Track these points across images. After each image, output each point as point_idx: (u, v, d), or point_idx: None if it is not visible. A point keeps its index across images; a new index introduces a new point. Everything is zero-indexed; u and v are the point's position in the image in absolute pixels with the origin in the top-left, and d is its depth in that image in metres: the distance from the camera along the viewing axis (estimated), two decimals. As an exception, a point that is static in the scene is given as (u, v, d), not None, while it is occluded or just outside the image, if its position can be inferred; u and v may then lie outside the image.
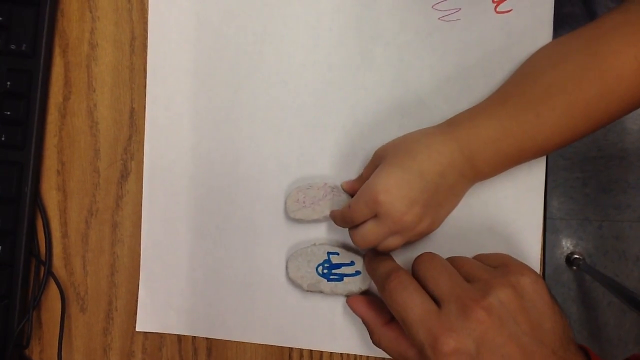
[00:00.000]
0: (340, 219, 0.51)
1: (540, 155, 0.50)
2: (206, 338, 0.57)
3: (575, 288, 1.57)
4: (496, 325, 0.39)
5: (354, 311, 0.51)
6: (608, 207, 1.55)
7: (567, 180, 1.55)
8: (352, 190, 0.53)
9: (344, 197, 0.53)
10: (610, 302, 1.54)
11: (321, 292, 0.53)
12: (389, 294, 0.44)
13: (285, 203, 0.54)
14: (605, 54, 0.45)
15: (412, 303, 0.42)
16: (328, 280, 0.53)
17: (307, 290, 0.54)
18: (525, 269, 0.43)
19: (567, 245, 1.56)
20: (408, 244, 0.50)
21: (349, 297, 0.53)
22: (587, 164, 1.55)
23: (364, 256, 0.53)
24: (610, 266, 1.56)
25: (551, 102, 0.45)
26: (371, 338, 0.49)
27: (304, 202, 0.53)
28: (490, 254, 0.49)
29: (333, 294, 0.53)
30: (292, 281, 0.54)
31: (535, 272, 0.43)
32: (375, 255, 0.50)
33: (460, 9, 0.53)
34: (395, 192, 0.45)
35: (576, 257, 1.54)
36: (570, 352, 0.40)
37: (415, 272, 0.45)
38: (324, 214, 0.53)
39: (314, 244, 0.54)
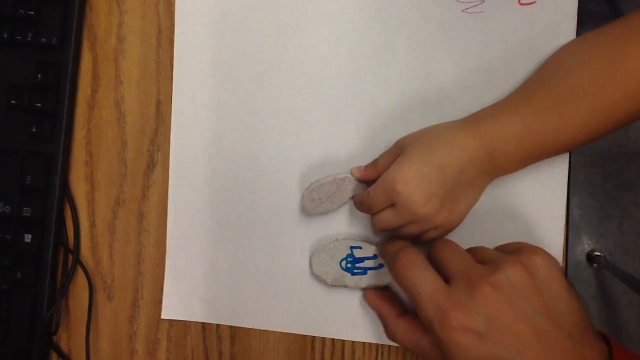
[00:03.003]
0: (359, 204, 0.52)
1: (562, 153, 0.51)
2: (230, 326, 0.58)
3: (595, 285, 1.56)
4: (504, 302, 0.39)
5: (370, 305, 0.53)
6: (629, 204, 1.54)
7: (587, 176, 1.54)
8: (364, 176, 0.53)
9: (355, 184, 0.53)
10: (630, 299, 1.53)
11: (345, 286, 0.54)
12: (399, 271, 0.45)
13: (302, 204, 0.55)
14: (631, 56, 0.45)
15: (421, 279, 0.43)
16: (352, 275, 0.54)
17: (332, 285, 0.54)
18: (539, 249, 0.43)
19: (587, 242, 1.55)
20: (433, 240, 0.51)
21: (365, 292, 0.54)
22: (608, 161, 1.54)
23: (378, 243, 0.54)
24: (631, 263, 1.54)
25: (575, 103, 0.46)
26: (385, 332, 0.49)
27: (319, 199, 0.54)
28: (509, 243, 0.50)
29: (357, 287, 0.54)
30: (316, 277, 0.55)
31: (550, 255, 0.43)
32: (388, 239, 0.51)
33: (483, 1, 0.53)
34: (414, 184, 0.46)
35: (597, 255, 1.53)
36: (589, 337, 0.39)
37: (430, 257, 0.46)
38: (343, 202, 0.54)
39: (337, 239, 0.54)
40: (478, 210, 0.52)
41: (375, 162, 0.53)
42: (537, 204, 0.54)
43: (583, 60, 0.47)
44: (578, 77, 0.46)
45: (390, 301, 0.51)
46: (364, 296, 0.54)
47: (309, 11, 0.56)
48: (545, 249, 0.45)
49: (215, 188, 0.57)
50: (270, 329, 0.57)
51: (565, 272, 0.54)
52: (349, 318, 0.56)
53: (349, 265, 0.54)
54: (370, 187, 0.50)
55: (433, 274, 0.43)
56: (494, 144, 0.47)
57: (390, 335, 0.49)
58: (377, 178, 0.50)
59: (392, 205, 0.48)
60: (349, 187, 0.53)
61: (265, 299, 0.57)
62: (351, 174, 0.53)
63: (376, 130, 0.55)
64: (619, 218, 1.54)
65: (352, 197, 0.53)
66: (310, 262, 0.55)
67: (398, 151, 0.50)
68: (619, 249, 1.55)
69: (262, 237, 0.57)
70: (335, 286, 0.55)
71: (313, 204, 0.54)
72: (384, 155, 0.52)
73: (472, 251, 0.47)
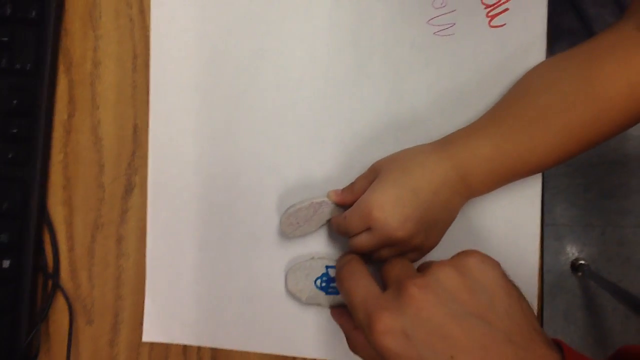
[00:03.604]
0: (336, 227, 0.52)
1: (534, 174, 0.51)
2: (211, 348, 0.58)
3: (580, 294, 1.57)
4: (431, 303, 0.37)
5: (335, 320, 0.53)
6: (611, 212, 1.56)
7: (569, 186, 1.56)
8: (341, 200, 0.53)
9: (332, 207, 0.53)
10: (615, 307, 1.54)
11: (319, 304, 0.54)
12: (339, 282, 0.45)
13: (280, 229, 0.55)
14: (599, 78, 0.45)
15: (356, 287, 0.42)
16: (326, 294, 0.54)
17: (306, 303, 0.55)
18: (474, 252, 0.41)
19: (571, 251, 1.57)
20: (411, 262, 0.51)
21: (331, 309, 0.54)
22: (589, 170, 1.55)
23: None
24: (614, 272, 1.56)
25: (545, 125, 0.46)
26: (348, 345, 0.49)
27: (297, 224, 0.54)
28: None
29: (331, 307, 0.54)
30: (291, 294, 0.55)
31: (487, 256, 0.40)
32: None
33: (454, 23, 0.54)
34: (389, 208, 0.46)
35: (581, 263, 1.54)
36: (536, 344, 0.36)
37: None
38: (321, 224, 0.54)
39: (313, 258, 0.55)
40: (454, 230, 0.52)
41: (351, 186, 0.53)
42: (511, 220, 0.54)
43: (553, 81, 0.48)
44: (548, 97, 0.47)
45: (350, 315, 0.51)
46: (331, 314, 0.54)
47: (284, 34, 0.56)
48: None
49: (194, 210, 0.57)
50: (250, 350, 0.57)
51: (542, 283, 0.54)
52: (328, 337, 0.56)
53: (323, 285, 0.54)
54: (346, 211, 0.50)
55: (368, 282, 0.43)
56: (465, 166, 0.47)
57: (351, 348, 0.48)
58: (354, 201, 0.51)
59: (369, 228, 0.48)
60: (326, 210, 0.54)
61: (245, 320, 0.57)
62: (328, 197, 0.53)
63: (352, 151, 0.56)
64: (602, 227, 1.56)
65: (331, 221, 0.54)
66: (286, 279, 0.56)
67: (373, 175, 0.50)
68: (602, 257, 1.56)
69: (241, 259, 0.57)
70: (309, 304, 0.55)
71: (291, 228, 0.54)
72: (359, 178, 0.53)
73: (420, 265, 0.46)
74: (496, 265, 0.40)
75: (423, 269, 0.42)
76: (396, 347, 0.37)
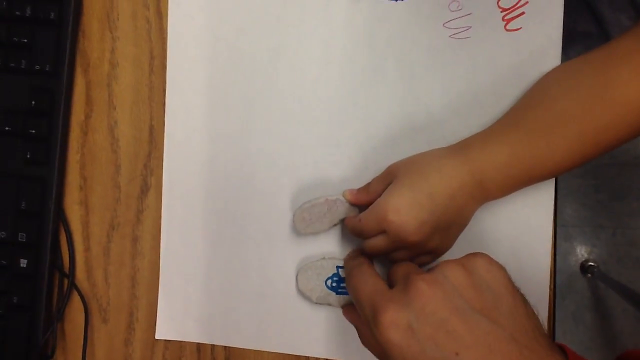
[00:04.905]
0: (351, 229, 0.52)
1: (550, 178, 0.51)
2: (224, 347, 0.58)
3: (589, 296, 1.56)
4: (438, 298, 0.37)
5: (346, 318, 0.53)
6: (621, 214, 1.55)
7: (580, 187, 1.55)
8: (356, 200, 0.53)
9: (347, 206, 0.54)
10: (624, 309, 1.54)
11: (330, 304, 0.55)
12: (348, 282, 0.46)
13: (293, 223, 0.55)
14: (616, 83, 0.45)
15: (363, 284, 0.43)
16: (337, 294, 0.54)
17: (316, 303, 0.55)
18: (481, 253, 0.41)
19: (581, 252, 1.56)
20: (424, 265, 0.51)
21: (343, 308, 0.54)
22: (600, 171, 1.55)
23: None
24: (624, 273, 1.55)
25: (562, 130, 0.46)
26: (360, 339, 0.49)
27: (310, 219, 0.54)
28: None
29: (341, 306, 0.55)
30: (301, 293, 0.56)
31: (494, 260, 0.40)
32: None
33: (470, 27, 0.54)
34: (405, 212, 0.46)
35: (590, 265, 1.53)
36: (538, 343, 0.36)
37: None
38: (333, 224, 0.55)
39: (324, 258, 0.55)
40: (467, 232, 0.53)
41: (367, 187, 0.54)
42: (524, 222, 0.55)
43: (569, 87, 0.48)
44: (565, 103, 0.47)
45: None
46: (342, 312, 0.54)
47: (300, 35, 0.56)
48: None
49: (207, 211, 0.58)
50: (263, 349, 0.58)
51: (554, 285, 0.55)
52: (339, 337, 0.57)
53: (334, 285, 0.55)
54: (362, 213, 0.51)
55: (375, 279, 0.43)
56: (483, 171, 0.48)
57: (363, 342, 0.48)
58: (369, 202, 0.51)
59: (384, 231, 0.48)
60: (341, 209, 0.54)
61: (258, 319, 0.58)
62: (343, 196, 0.54)
63: (366, 152, 0.56)
64: (612, 228, 1.55)
65: (345, 221, 0.54)
66: (297, 278, 0.56)
67: (389, 177, 0.51)
68: (613, 259, 1.55)
69: (255, 258, 0.57)
70: (320, 304, 0.55)
71: (304, 224, 0.55)
72: (375, 180, 0.53)
73: (430, 268, 0.46)
74: (503, 268, 0.40)
75: (432, 270, 0.42)
76: (400, 340, 0.36)
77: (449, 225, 0.49)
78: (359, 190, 0.54)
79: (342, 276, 0.54)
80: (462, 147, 0.50)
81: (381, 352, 0.41)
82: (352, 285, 0.45)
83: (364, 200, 0.53)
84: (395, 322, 0.37)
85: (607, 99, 0.46)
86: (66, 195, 0.59)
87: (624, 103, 0.45)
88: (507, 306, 0.37)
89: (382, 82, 0.56)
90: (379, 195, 0.50)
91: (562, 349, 0.37)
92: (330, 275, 0.55)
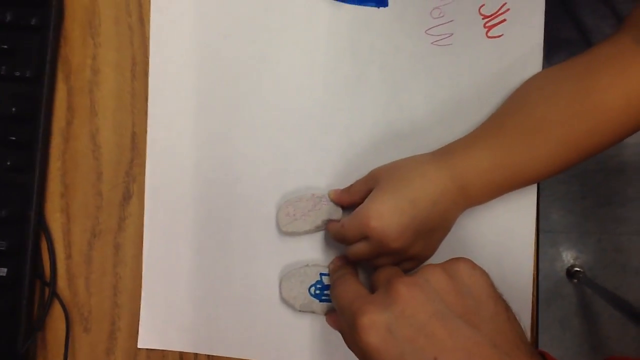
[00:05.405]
0: (333, 234, 0.52)
1: (533, 183, 0.52)
2: (208, 356, 0.58)
3: (576, 301, 1.57)
4: (418, 301, 0.37)
5: (330, 325, 0.52)
6: (607, 220, 1.56)
7: (566, 193, 1.56)
8: (338, 199, 0.54)
9: (331, 205, 0.54)
10: (611, 315, 1.54)
11: (313, 312, 0.55)
12: (332, 291, 0.46)
13: (277, 217, 0.55)
14: (596, 90, 0.46)
15: (345, 290, 0.43)
16: (320, 301, 0.54)
17: (300, 310, 0.55)
18: (463, 258, 0.41)
19: (567, 258, 1.57)
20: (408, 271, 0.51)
21: (326, 315, 0.54)
22: (586, 178, 1.56)
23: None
24: (610, 279, 1.56)
25: (543, 136, 0.47)
26: (346, 344, 0.49)
27: (294, 215, 0.54)
28: None
29: (325, 314, 0.54)
30: (285, 301, 0.56)
31: (477, 265, 0.40)
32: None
33: (452, 34, 0.54)
34: (387, 219, 0.46)
35: (577, 270, 1.54)
36: (519, 350, 0.36)
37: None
38: (316, 224, 0.54)
39: (307, 265, 0.55)
40: (450, 238, 0.52)
41: (349, 188, 0.54)
42: (507, 230, 0.55)
43: (550, 93, 0.48)
44: (546, 109, 0.47)
45: None
46: (326, 319, 0.54)
47: (283, 42, 0.56)
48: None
49: (190, 218, 0.57)
50: (247, 358, 0.57)
51: (537, 291, 0.54)
52: (324, 345, 0.56)
53: (317, 292, 0.54)
54: (344, 218, 0.51)
55: (358, 286, 0.43)
56: (465, 177, 0.48)
57: (348, 346, 0.48)
58: (350, 203, 0.52)
59: (366, 237, 0.48)
60: (324, 208, 0.54)
61: (242, 327, 0.57)
62: (328, 195, 0.54)
63: (350, 159, 0.56)
64: (598, 234, 1.56)
65: (327, 226, 0.54)
66: (280, 286, 0.56)
67: (372, 181, 0.50)
68: (599, 265, 1.56)
69: (238, 266, 0.57)
70: (303, 311, 0.55)
71: (287, 219, 0.54)
72: (358, 182, 0.53)
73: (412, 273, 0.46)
74: (485, 274, 0.40)
75: (413, 274, 0.42)
76: (378, 343, 0.36)
77: (432, 231, 0.49)
78: (342, 190, 0.54)
79: (326, 283, 0.54)
80: (444, 153, 0.50)
81: (363, 356, 0.41)
82: (335, 294, 0.44)
83: (346, 200, 0.53)
84: (373, 324, 0.37)
85: (588, 105, 0.46)
86: (47, 202, 0.59)
87: (604, 109, 0.46)
88: (489, 311, 0.37)
89: (365, 89, 0.56)
90: (361, 197, 0.50)
91: (542, 356, 0.37)
92: (313, 282, 0.55)
